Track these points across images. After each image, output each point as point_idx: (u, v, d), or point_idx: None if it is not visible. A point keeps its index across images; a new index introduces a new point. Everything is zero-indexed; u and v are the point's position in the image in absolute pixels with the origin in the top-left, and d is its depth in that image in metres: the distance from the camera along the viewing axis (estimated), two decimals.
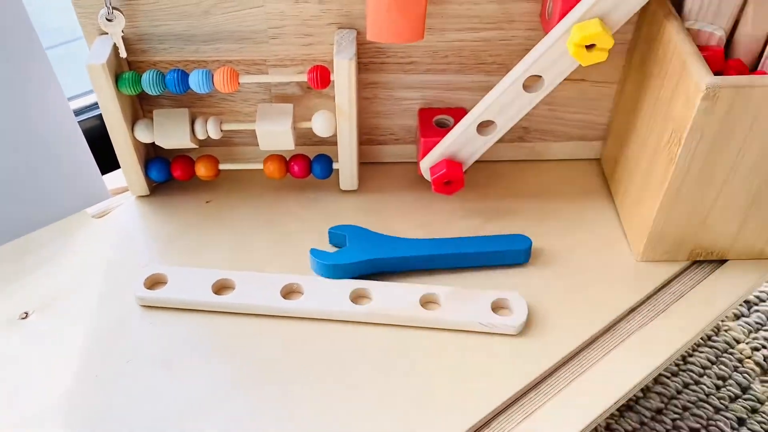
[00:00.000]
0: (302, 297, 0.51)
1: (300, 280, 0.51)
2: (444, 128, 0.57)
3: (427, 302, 0.51)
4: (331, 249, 0.55)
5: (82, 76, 0.50)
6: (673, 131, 0.46)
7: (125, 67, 0.54)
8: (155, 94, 0.52)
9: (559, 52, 0.48)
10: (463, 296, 0.50)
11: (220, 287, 0.52)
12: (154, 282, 0.52)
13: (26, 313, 0.51)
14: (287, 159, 0.58)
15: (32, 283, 0.53)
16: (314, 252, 0.53)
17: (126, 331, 0.49)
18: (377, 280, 0.52)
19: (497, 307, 0.50)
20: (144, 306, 0.51)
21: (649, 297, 0.52)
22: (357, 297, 0.51)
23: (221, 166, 0.58)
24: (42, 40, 0.54)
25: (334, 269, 0.52)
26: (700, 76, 0.43)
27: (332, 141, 0.56)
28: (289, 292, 0.51)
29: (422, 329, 0.49)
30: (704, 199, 0.49)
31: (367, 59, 0.55)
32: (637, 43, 0.53)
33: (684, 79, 0.44)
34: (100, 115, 0.65)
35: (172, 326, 0.49)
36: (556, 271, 0.53)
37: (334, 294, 0.51)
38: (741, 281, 0.53)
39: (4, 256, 0.55)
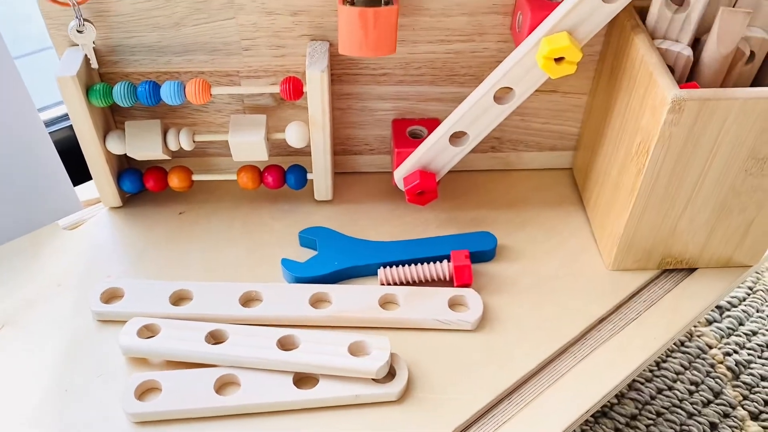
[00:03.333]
0: (261, 304, 0.51)
1: (259, 287, 0.51)
2: (417, 139, 0.57)
3: (386, 303, 0.51)
4: (303, 252, 0.55)
5: (53, 86, 0.50)
6: (641, 142, 0.47)
7: (96, 79, 0.54)
8: (127, 105, 0.52)
9: (528, 65, 0.48)
10: (421, 295, 0.51)
11: (179, 298, 0.51)
12: (112, 296, 0.51)
13: None
14: (261, 170, 0.58)
15: (1, 296, 0.52)
16: (285, 262, 0.53)
17: (96, 345, 0.49)
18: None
19: (454, 304, 0.51)
20: (101, 321, 0.50)
21: (620, 305, 0.52)
22: (317, 301, 0.51)
23: (194, 177, 0.58)
24: (11, 49, 0.53)
25: (303, 281, 0.53)
26: (666, 89, 0.43)
27: (306, 151, 0.56)
28: (248, 300, 0.51)
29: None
30: (673, 208, 0.49)
31: (340, 70, 0.55)
32: (606, 55, 0.54)
33: (651, 91, 0.45)
34: (72, 125, 0.64)
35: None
36: (528, 279, 0.54)
37: (293, 299, 0.51)
38: (711, 289, 0.54)
39: None
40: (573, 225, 0.58)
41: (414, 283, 0.53)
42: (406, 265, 0.53)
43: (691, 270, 0.55)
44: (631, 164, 0.49)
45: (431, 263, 0.53)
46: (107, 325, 0.50)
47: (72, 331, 0.50)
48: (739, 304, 0.79)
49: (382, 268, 0.53)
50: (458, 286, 0.52)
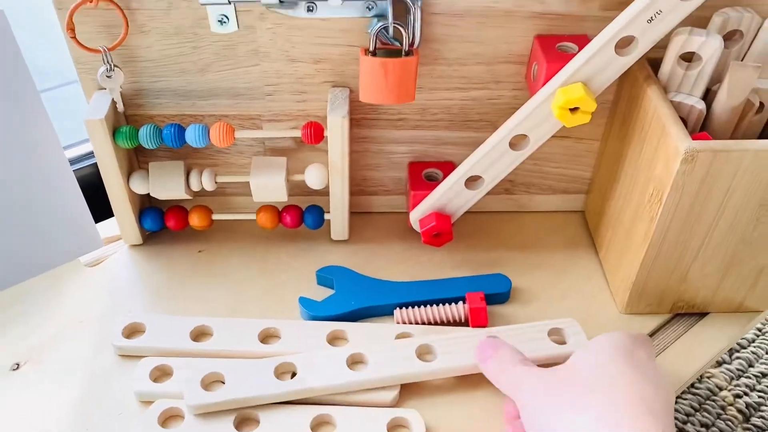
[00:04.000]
0: (279, 341, 0.52)
1: (277, 324, 0.52)
2: (433, 181, 0.59)
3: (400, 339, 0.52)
4: (320, 290, 0.56)
5: (78, 120, 0.51)
6: (654, 190, 0.48)
7: (122, 121, 0.55)
8: (152, 148, 0.53)
9: (544, 114, 0.50)
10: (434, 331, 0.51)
11: (199, 334, 0.52)
12: (133, 331, 0.52)
13: (17, 365, 0.51)
14: (279, 209, 0.59)
15: (24, 334, 0.53)
16: (303, 301, 0.54)
17: (117, 381, 0.50)
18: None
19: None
20: (122, 356, 0.51)
21: None
22: (334, 338, 0.52)
23: (214, 216, 0.59)
24: (37, 82, 0.55)
25: (320, 320, 0.53)
26: (679, 140, 0.45)
27: (324, 191, 0.58)
28: (266, 337, 0.52)
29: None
30: (685, 255, 0.50)
31: (360, 115, 0.57)
32: (618, 103, 0.55)
33: (664, 141, 0.46)
34: (94, 163, 0.66)
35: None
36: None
37: (311, 336, 0.52)
38: (722, 333, 0.54)
39: None
40: (586, 268, 0.59)
41: (429, 324, 0.53)
42: (422, 306, 0.54)
43: (703, 314, 0.55)
44: (644, 211, 0.50)
45: (447, 304, 0.53)
46: (129, 360, 0.51)
47: (93, 368, 0.50)
48: (749, 346, 0.79)
49: (398, 308, 0.54)
50: (473, 327, 0.53)
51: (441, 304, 0.54)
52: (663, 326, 0.55)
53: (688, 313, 0.55)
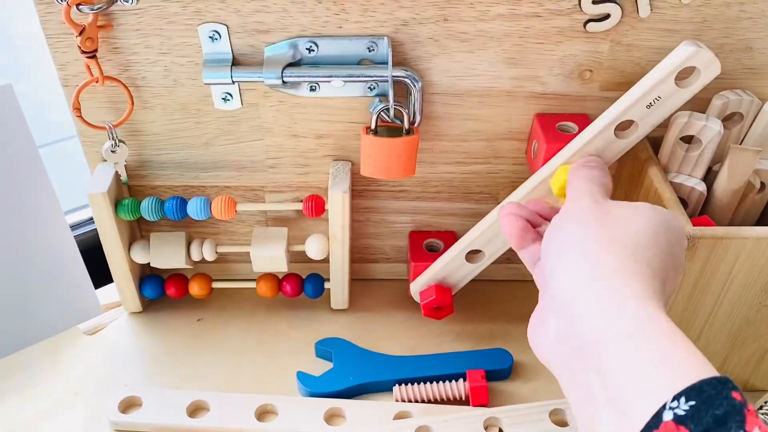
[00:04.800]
0: (276, 418, 0.51)
1: (274, 400, 0.52)
2: (434, 252, 0.59)
3: (399, 419, 0.51)
4: (319, 363, 0.56)
5: (78, 176, 0.51)
6: None
7: (125, 191, 0.56)
8: (154, 220, 0.53)
9: (543, 192, 0.50)
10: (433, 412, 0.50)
11: (195, 408, 0.52)
12: (129, 405, 0.52)
13: None
14: (280, 278, 0.59)
15: (20, 405, 0.52)
16: (300, 376, 0.54)
17: None
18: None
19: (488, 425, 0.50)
20: (119, 431, 0.51)
21: None
22: (331, 416, 0.51)
23: (214, 285, 0.59)
24: (45, 135, 0.54)
25: (318, 396, 0.53)
26: None
27: (324, 260, 0.58)
28: (263, 413, 0.52)
29: None
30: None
31: (361, 187, 0.57)
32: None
33: None
34: (95, 229, 0.66)
35: None
36: (545, 399, 0.53)
37: (308, 414, 0.51)
38: None
39: None
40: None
41: (429, 402, 0.53)
42: (422, 384, 0.53)
43: None
44: None
45: (447, 382, 0.53)
46: None
47: None
48: None
49: (397, 385, 0.53)
50: (474, 406, 0.52)
51: (441, 381, 0.53)
52: None
53: None
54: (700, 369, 0.31)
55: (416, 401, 0.53)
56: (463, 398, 0.52)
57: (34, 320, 0.58)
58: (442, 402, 0.53)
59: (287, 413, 0.51)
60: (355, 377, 0.54)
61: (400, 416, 0.51)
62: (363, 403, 0.52)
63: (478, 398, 0.52)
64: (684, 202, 0.48)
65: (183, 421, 0.51)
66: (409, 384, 0.53)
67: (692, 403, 0.29)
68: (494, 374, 0.55)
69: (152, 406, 0.51)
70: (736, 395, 0.29)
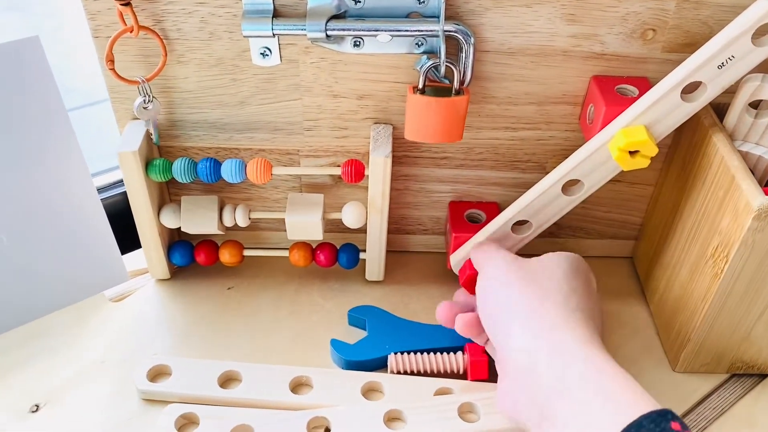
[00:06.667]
0: (312, 391, 0.49)
1: (310, 372, 0.50)
2: (475, 223, 0.56)
3: (440, 395, 0.49)
4: (352, 331, 0.54)
5: (100, 143, 0.49)
6: (720, 245, 0.45)
7: (155, 153, 0.53)
8: (186, 182, 0.51)
9: (601, 159, 0.47)
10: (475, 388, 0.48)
11: (227, 379, 0.50)
12: (158, 373, 0.50)
13: (37, 406, 0.48)
14: (313, 247, 0.57)
15: (45, 373, 0.50)
16: (335, 343, 0.52)
17: (140, 427, 0.47)
18: None
19: None
20: (146, 399, 0.49)
21: (688, 411, 0.49)
22: (368, 390, 0.49)
23: (246, 252, 0.56)
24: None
25: (352, 364, 0.51)
26: (751, 195, 0.41)
27: (360, 229, 0.55)
28: (298, 385, 0.49)
29: None
30: (749, 313, 0.47)
31: (402, 153, 0.54)
32: (677, 148, 0.52)
33: (733, 194, 0.43)
34: (122, 192, 0.64)
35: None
36: None
37: (344, 387, 0.49)
38: None
39: (15, 341, 0.53)
40: (634, 319, 0.56)
41: (426, 374, 0.50)
42: (419, 353, 0.51)
43: (763, 376, 0.52)
44: (706, 266, 0.47)
45: (446, 354, 0.51)
46: (153, 405, 0.48)
47: (115, 412, 0.48)
48: None
49: (392, 354, 0.51)
50: (473, 380, 0.50)
51: (440, 353, 0.51)
52: (719, 387, 0.51)
53: (747, 374, 0.52)
54: (641, 404, 0.34)
55: (411, 373, 0.50)
56: (461, 371, 0.50)
57: (59, 285, 0.56)
58: (439, 375, 0.50)
59: (323, 386, 0.49)
60: (391, 346, 0.51)
61: (441, 392, 0.49)
62: (402, 378, 0.50)
63: (477, 372, 0.49)
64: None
65: (214, 392, 0.48)
66: (406, 354, 0.51)
67: None
68: None
69: (182, 375, 0.49)
70: (675, 425, 0.33)
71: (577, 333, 0.40)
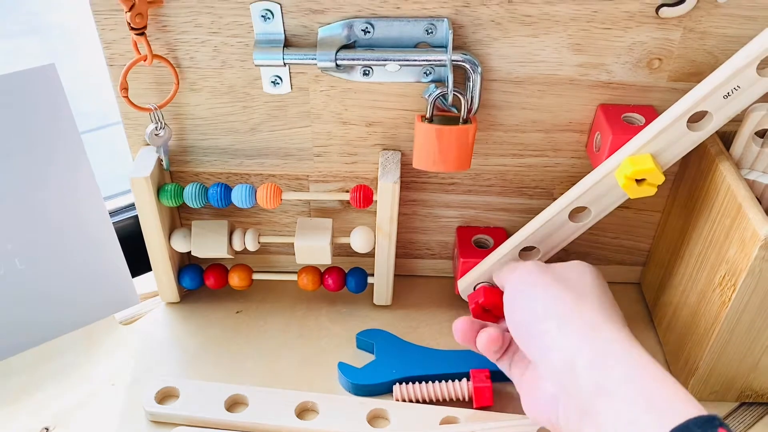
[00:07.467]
0: (318, 417, 0.49)
1: (316, 398, 0.50)
2: (482, 248, 0.56)
3: (445, 423, 0.48)
4: (360, 355, 0.54)
5: (112, 166, 0.49)
6: (727, 274, 0.45)
7: (167, 178, 0.54)
8: (197, 207, 0.52)
9: (607, 186, 0.47)
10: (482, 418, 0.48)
11: (233, 403, 0.50)
12: (166, 395, 0.50)
13: (47, 429, 0.49)
14: (322, 271, 0.57)
15: (55, 395, 0.51)
16: (342, 367, 0.52)
17: None
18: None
19: None
20: (154, 422, 0.49)
21: None
22: (374, 417, 0.49)
23: (254, 276, 0.57)
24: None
25: (360, 388, 0.51)
26: (758, 224, 0.42)
27: (368, 254, 0.56)
28: (303, 411, 0.50)
29: None
30: (758, 341, 0.47)
31: (410, 178, 0.55)
32: (684, 176, 0.52)
33: (740, 223, 0.43)
34: (134, 216, 0.64)
35: None
36: None
37: (350, 414, 0.49)
38: None
39: (26, 363, 0.53)
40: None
41: (431, 402, 0.50)
42: (423, 383, 0.51)
43: None
44: (714, 295, 0.47)
45: (449, 381, 0.51)
46: (160, 427, 0.49)
47: None
48: None
49: (397, 384, 0.51)
50: (477, 407, 0.50)
51: (443, 381, 0.51)
52: (729, 415, 0.51)
53: (757, 403, 0.52)
54: (690, 408, 0.33)
55: (416, 401, 0.50)
56: (466, 399, 0.50)
57: (70, 308, 0.57)
58: (444, 403, 0.50)
59: (329, 412, 0.49)
60: (398, 370, 0.52)
61: (447, 421, 0.49)
62: (408, 406, 0.50)
63: (482, 399, 0.49)
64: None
65: (221, 415, 0.49)
66: (410, 384, 0.51)
67: None
68: (500, 374, 0.52)
69: (189, 398, 0.50)
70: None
71: (619, 334, 0.39)
